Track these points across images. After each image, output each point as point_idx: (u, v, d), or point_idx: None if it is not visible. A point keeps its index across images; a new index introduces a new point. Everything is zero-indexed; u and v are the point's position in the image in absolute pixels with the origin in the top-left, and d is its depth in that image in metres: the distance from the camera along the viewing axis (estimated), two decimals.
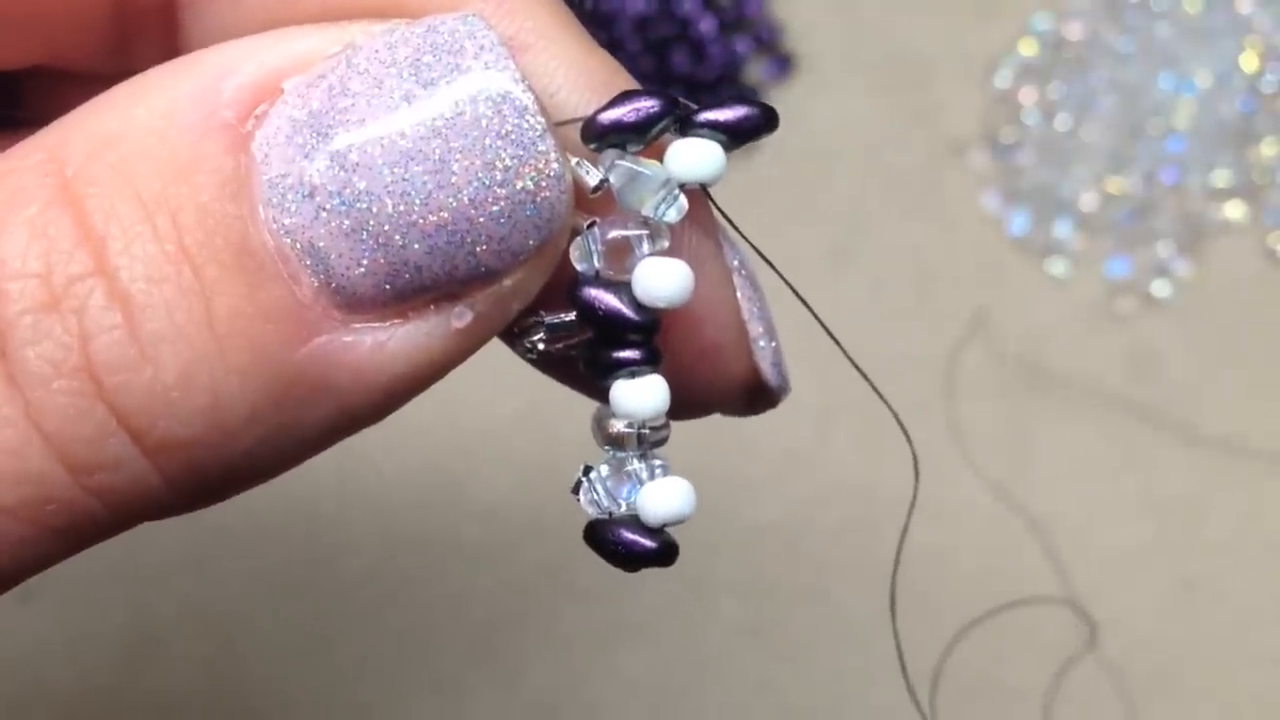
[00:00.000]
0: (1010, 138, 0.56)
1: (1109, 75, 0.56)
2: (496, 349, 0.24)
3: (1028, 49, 0.57)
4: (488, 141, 0.18)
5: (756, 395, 0.24)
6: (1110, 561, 0.52)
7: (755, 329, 0.24)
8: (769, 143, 0.59)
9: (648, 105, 0.19)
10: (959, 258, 0.55)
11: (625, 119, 0.19)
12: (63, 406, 0.17)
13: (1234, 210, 0.56)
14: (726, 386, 0.23)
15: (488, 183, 0.18)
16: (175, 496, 0.19)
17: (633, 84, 0.21)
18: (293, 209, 0.18)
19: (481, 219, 0.18)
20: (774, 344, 0.24)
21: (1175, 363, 0.54)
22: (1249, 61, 0.56)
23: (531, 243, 0.19)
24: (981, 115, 0.57)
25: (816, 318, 0.23)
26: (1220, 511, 0.53)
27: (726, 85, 0.56)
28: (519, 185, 0.18)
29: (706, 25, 0.56)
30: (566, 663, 0.51)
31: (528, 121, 0.18)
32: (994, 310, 0.55)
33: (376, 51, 0.18)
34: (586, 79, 0.21)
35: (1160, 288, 0.55)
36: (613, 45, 0.56)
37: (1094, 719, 0.50)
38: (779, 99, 0.57)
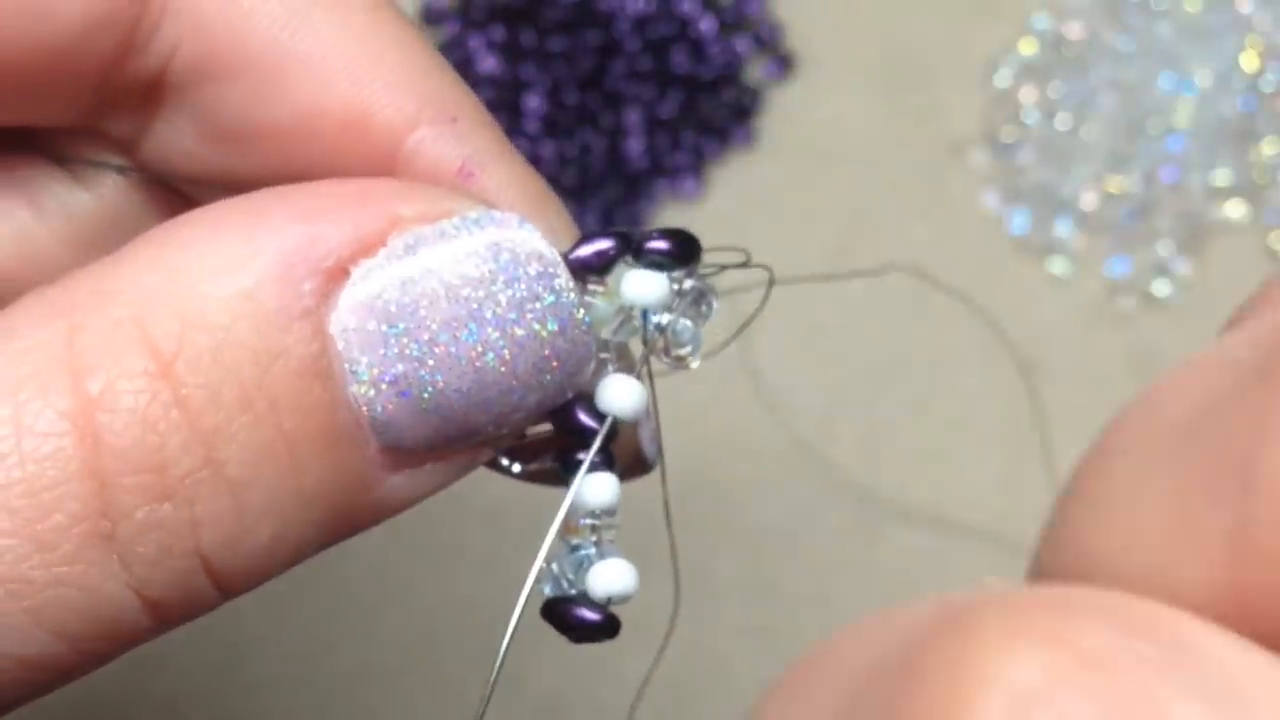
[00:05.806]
0: (1010, 137, 0.56)
1: (1109, 75, 0.56)
2: None
3: (1028, 49, 0.57)
4: (542, 324, 0.21)
5: (634, 465, 0.27)
6: None
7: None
8: (769, 143, 0.59)
9: (605, 246, 0.23)
10: (959, 258, 0.55)
11: (590, 261, 0.23)
12: (168, 582, 0.19)
13: (1234, 209, 0.56)
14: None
15: (542, 357, 0.21)
16: (222, 601, 0.21)
17: (556, 201, 0.24)
18: (368, 387, 0.20)
19: (535, 384, 0.21)
20: (652, 422, 0.26)
21: (1175, 362, 0.54)
22: (1249, 61, 0.56)
23: (568, 394, 0.22)
24: (981, 115, 0.57)
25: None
26: None
27: (726, 85, 0.56)
28: (563, 347, 0.21)
29: (706, 25, 0.56)
30: (569, 665, 0.51)
31: (570, 299, 0.21)
32: (994, 310, 0.55)
33: (435, 248, 0.21)
34: (527, 197, 0.24)
35: (1160, 287, 0.55)
36: (612, 45, 0.55)
37: None
38: (779, 99, 0.57)
